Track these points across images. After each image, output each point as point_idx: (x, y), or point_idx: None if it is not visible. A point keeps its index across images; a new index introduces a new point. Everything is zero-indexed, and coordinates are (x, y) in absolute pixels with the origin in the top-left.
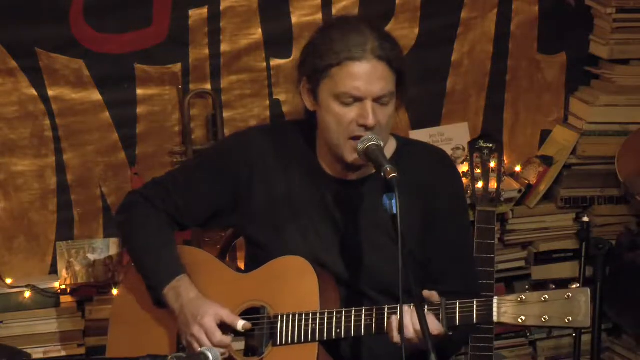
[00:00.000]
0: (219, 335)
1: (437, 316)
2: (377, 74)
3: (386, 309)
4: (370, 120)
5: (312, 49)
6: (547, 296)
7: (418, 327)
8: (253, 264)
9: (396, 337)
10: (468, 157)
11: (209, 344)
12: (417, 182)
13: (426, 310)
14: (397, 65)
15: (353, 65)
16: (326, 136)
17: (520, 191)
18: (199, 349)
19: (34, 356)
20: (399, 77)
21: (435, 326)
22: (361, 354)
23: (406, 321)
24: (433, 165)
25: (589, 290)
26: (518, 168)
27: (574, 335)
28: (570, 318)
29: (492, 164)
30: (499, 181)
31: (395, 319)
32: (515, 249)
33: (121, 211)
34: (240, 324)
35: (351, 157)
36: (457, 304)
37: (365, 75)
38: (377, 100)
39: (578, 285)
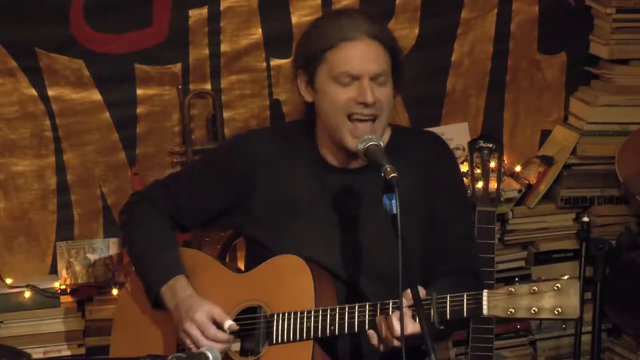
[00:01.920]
0: (212, 330)
1: (428, 311)
2: (372, 53)
3: (379, 305)
4: (369, 97)
5: (305, 41)
6: (536, 288)
7: (396, 333)
8: (253, 263)
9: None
10: (468, 157)
11: (201, 339)
12: (415, 164)
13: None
14: (391, 45)
15: (348, 45)
16: (326, 122)
17: (520, 191)
18: (196, 349)
19: (34, 356)
20: (393, 59)
21: (411, 327)
22: (357, 351)
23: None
24: (428, 146)
25: (577, 281)
26: (518, 168)
27: (565, 328)
28: (560, 309)
29: (492, 164)
30: (499, 181)
31: (372, 332)
32: (515, 249)
33: (123, 212)
34: (227, 324)
35: (351, 141)
36: (448, 297)
37: (360, 53)
38: (374, 79)
39: (567, 276)
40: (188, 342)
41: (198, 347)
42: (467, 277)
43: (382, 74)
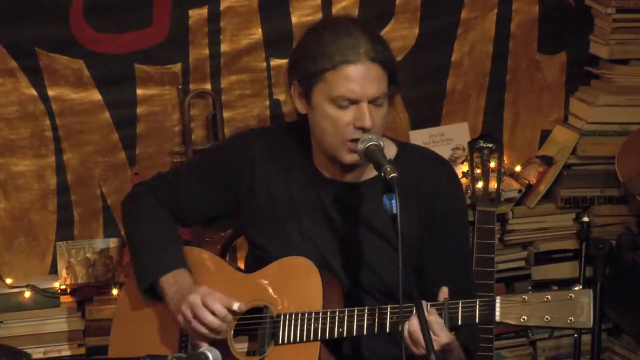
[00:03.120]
0: (203, 312)
1: (439, 316)
2: (371, 76)
3: (388, 308)
4: (368, 122)
5: (303, 53)
6: (549, 297)
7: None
8: (254, 264)
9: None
10: (468, 157)
11: (190, 318)
12: (417, 189)
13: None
14: (389, 65)
15: (347, 68)
16: (321, 140)
17: (520, 191)
18: (200, 349)
19: (34, 356)
20: (390, 77)
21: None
22: (363, 353)
23: (415, 327)
24: (434, 173)
25: (591, 292)
26: (518, 168)
27: (575, 335)
28: (573, 319)
29: (492, 164)
30: (499, 181)
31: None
32: (515, 249)
33: (126, 201)
34: (236, 305)
35: (349, 158)
36: (460, 303)
37: (360, 77)
38: (372, 101)
39: (580, 286)
40: (181, 319)
41: (188, 329)
42: None
43: (380, 97)
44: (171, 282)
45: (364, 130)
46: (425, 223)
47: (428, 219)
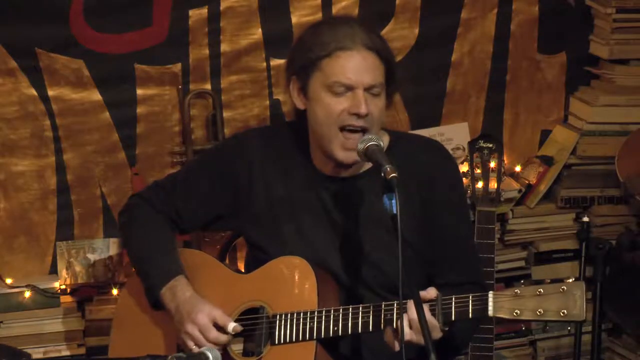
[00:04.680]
0: (213, 332)
1: (433, 311)
2: (367, 64)
3: (383, 305)
4: (363, 109)
5: (300, 46)
6: (542, 290)
7: (415, 324)
8: (253, 265)
9: (397, 346)
10: (468, 157)
11: (203, 341)
12: (414, 175)
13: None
14: (386, 56)
15: (343, 54)
16: (317, 131)
17: (520, 191)
18: (198, 349)
19: (34, 356)
20: (388, 70)
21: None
22: (360, 352)
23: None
24: (428, 157)
25: (583, 284)
26: (518, 168)
27: (571, 330)
28: (565, 311)
29: (492, 164)
30: (499, 181)
31: (389, 329)
32: (515, 249)
33: (122, 213)
34: (231, 326)
35: (341, 154)
36: (453, 298)
37: (356, 64)
38: (368, 90)
39: (573, 279)
40: (190, 343)
41: (199, 348)
42: (474, 288)
43: (376, 85)
44: (169, 297)
45: (359, 116)
46: (425, 208)
47: (428, 204)
